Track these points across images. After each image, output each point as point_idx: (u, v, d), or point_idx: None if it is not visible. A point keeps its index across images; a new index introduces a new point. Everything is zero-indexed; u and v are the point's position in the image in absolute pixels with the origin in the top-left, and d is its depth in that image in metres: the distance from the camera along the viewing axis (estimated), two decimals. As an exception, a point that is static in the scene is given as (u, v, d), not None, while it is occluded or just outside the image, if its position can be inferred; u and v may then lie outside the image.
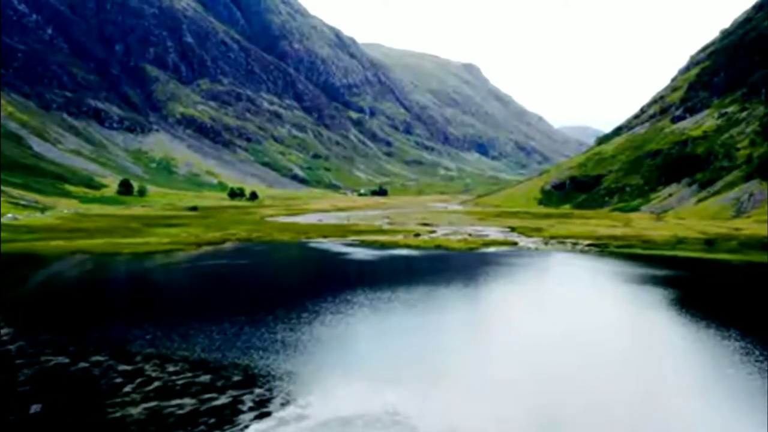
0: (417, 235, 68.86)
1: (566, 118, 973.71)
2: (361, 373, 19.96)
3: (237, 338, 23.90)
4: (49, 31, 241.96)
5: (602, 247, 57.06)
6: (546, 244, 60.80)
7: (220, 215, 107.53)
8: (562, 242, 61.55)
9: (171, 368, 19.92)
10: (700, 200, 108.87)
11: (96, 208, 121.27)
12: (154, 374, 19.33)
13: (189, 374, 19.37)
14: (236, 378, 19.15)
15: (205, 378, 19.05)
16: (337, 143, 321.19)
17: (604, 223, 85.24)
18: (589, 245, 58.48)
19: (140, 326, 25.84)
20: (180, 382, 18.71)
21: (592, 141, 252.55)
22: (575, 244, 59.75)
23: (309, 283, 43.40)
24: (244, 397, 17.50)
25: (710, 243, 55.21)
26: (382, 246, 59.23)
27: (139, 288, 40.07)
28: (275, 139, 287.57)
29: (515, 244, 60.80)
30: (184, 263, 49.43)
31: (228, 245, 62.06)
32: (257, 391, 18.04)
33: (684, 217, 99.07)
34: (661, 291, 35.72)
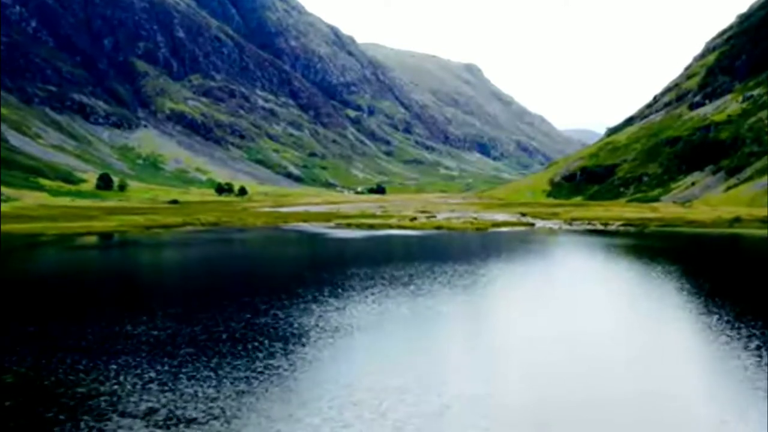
0: (413, 219, 58.21)
1: (569, 121, 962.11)
2: (295, 399, 9.34)
3: (109, 340, 13.25)
4: (33, 23, 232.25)
5: (640, 227, 46.30)
6: (569, 225, 50.05)
7: (198, 207, 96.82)
8: (590, 223, 50.78)
9: None
10: (729, 188, 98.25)
11: (65, 201, 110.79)
12: None
13: None
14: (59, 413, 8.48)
15: None
16: (335, 142, 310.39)
17: (628, 209, 74.54)
18: (623, 225, 47.74)
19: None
20: None
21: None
22: (606, 224, 48.99)
23: (263, 267, 32.75)
24: None
25: (778, 220, 44.62)
26: (371, 228, 48.59)
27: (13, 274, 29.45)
28: (270, 137, 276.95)
29: (531, 225, 50.13)
30: (112, 245, 38.95)
31: (188, 228, 51.67)
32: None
33: (715, 204, 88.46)
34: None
